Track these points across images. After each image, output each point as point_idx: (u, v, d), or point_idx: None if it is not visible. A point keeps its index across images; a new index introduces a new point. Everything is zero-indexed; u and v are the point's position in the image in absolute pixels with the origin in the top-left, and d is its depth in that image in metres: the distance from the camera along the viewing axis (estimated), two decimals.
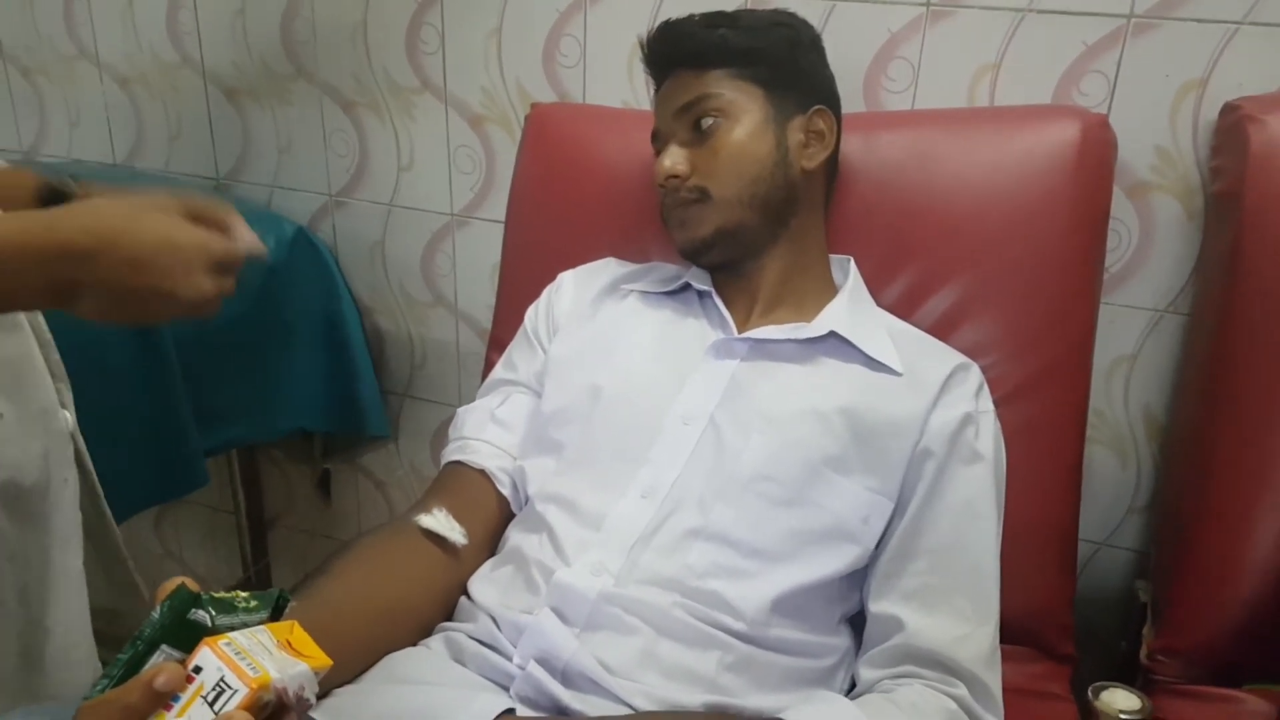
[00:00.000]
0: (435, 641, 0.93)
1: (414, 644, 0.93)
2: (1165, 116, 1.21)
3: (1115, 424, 1.36)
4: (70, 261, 0.72)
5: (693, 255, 1.07)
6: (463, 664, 0.90)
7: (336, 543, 1.99)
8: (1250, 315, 1.07)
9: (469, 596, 0.97)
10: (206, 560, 2.13)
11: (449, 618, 0.98)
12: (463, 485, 1.05)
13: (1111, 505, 1.40)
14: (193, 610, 0.62)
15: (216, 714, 0.58)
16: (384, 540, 0.96)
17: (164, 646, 0.61)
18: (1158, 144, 1.23)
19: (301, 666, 0.64)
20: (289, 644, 0.65)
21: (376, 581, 0.92)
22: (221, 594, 0.65)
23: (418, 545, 0.97)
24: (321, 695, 0.82)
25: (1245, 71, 1.17)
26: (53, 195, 0.90)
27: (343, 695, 0.83)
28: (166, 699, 0.58)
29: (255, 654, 0.61)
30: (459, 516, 1.00)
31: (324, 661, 0.66)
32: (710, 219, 1.02)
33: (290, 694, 0.62)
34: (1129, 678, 1.16)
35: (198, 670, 0.59)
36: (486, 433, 1.09)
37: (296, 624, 0.68)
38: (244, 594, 0.66)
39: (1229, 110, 1.15)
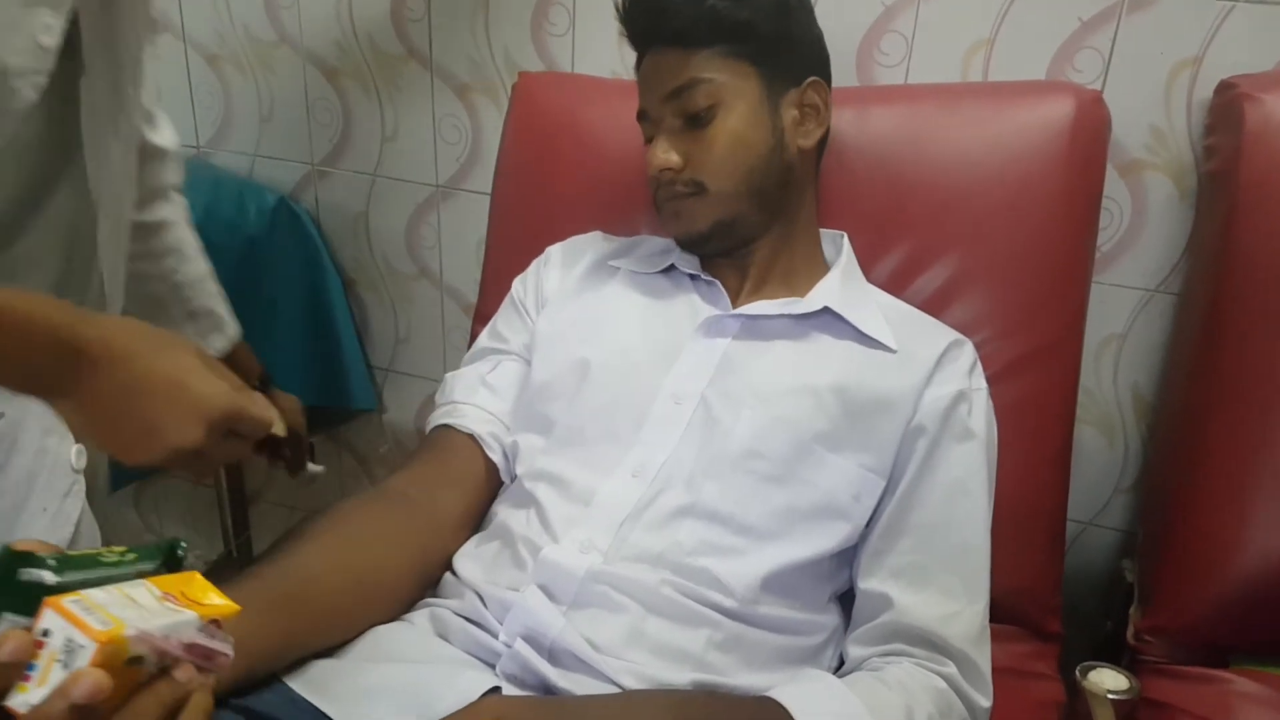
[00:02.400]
0: (419, 617, 0.92)
1: (393, 612, 0.91)
2: (1160, 94, 1.20)
3: (1103, 403, 1.36)
4: (73, 359, 0.70)
5: (688, 246, 1.05)
6: (447, 640, 0.89)
7: None
8: (1243, 295, 1.07)
9: (454, 573, 0.95)
10: (187, 535, 2.10)
11: (430, 588, 0.96)
12: (450, 450, 1.03)
13: (1098, 485, 1.40)
14: (26, 571, 0.57)
15: None
16: (360, 505, 0.93)
17: (6, 615, 0.56)
18: (1152, 122, 1.22)
19: (186, 615, 0.58)
20: (182, 595, 0.61)
21: (351, 546, 0.88)
22: (83, 551, 0.60)
23: (396, 511, 0.94)
24: (298, 665, 0.80)
25: (1241, 49, 1.16)
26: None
27: (324, 670, 0.81)
28: (20, 670, 0.53)
29: (112, 607, 0.55)
30: (445, 482, 0.98)
31: (223, 609, 0.61)
32: (707, 213, 1.00)
33: (174, 644, 0.57)
34: (1114, 657, 1.16)
35: (47, 634, 0.54)
36: (477, 397, 1.06)
37: (197, 575, 0.63)
38: (120, 549, 0.62)
39: (1224, 88, 1.14)
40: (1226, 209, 1.09)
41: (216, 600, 0.62)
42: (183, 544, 0.64)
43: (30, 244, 0.89)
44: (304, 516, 0.90)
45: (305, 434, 1.13)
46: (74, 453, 0.87)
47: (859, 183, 1.15)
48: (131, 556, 0.62)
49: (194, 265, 1.17)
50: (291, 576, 0.82)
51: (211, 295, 1.18)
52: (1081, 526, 1.41)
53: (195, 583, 0.62)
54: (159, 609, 0.58)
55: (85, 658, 0.52)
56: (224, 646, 0.61)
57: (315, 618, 0.82)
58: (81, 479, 0.88)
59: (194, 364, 0.75)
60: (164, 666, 0.57)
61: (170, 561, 0.64)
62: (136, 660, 0.55)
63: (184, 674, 0.57)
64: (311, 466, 1.10)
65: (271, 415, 0.80)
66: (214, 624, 0.61)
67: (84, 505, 0.89)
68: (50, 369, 0.70)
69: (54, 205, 0.90)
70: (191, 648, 0.58)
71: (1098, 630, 1.33)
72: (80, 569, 0.58)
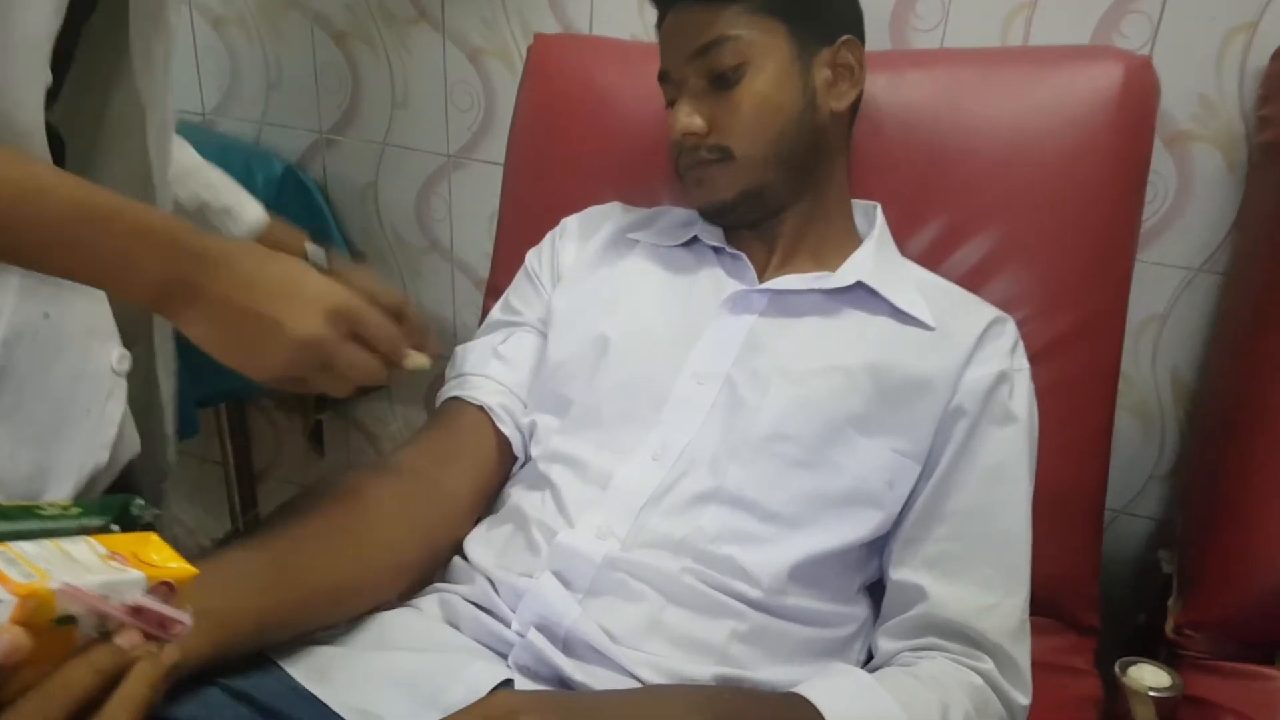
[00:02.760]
0: (428, 603, 0.88)
1: (395, 590, 0.87)
2: (1210, 62, 1.14)
3: (1140, 387, 1.31)
4: (193, 262, 0.69)
5: (713, 217, 1.00)
6: (457, 628, 0.84)
7: None
8: None
9: (464, 557, 0.91)
10: (194, 511, 2.07)
11: (437, 569, 0.92)
12: (459, 423, 0.98)
13: (1131, 471, 1.35)
14: None
15: None
16: (363, 478, 0.88)
17: None
18: (1201, 91, 1.16)
19: (131, 574, 0.54)
20: (133, 555, 0.56)
21: (351, 519, 0.84)
22: (17, 501, 0.57)
23: (401, 484, 0.89)
24: (297, 650, 0.76)
25: None
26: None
27: (326, 657, 0.77)
28: None
29: (41, 561, 0.51)
30: (453, 456, 0.93)
31: (177, 572, 0.57)
32: (733, 181, 0.95)
33: (115, 606, 0.53)
34: (1149, 651, 1.11)
35: None
36: (489, 369, 1.01)
37: (154, 535, 0.59)
38: (64, 502, 0.58)
39: None
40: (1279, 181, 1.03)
41: (172, 563, 0.57)
42: (138, 501, 0.60)
43: (86, 146, 0.90)
44: (303, 489, 0.85)
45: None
46: (116, 356, 0.86)
47: (893, 151, 1.09)
48: (75, 511, 0.57)
49: (208, 173, 1.16)
50: (285, 549, 0.77)
51: (230, 188, 1.16)
52: (1114, 514, 1.36)
53: (150, 543, 0.58)
54: (100, 567, 0.53)
55: (4, 613, 0.48)
56: (179, 614, 0.56)
57: (309, 593, 0.77)
58: (123, 382, 0.86)
59: (306, 267, 0.75)
60: (106, 631, 0.53)
61: (124, 520, 0.59)
62: (68, 620, 0.51)
63: (126, 640, 0.53)
64: (414, 357, 0.93)
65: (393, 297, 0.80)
66: (166, 587, 0.56)
67: (125, 409, 0.87)
68: (165, 273, 0.69)
69: (110, 109, 0.91)
70: (137, 611, 0.54)
71: (1130, 623, 1.29)
72: (9, 520, 0.54)
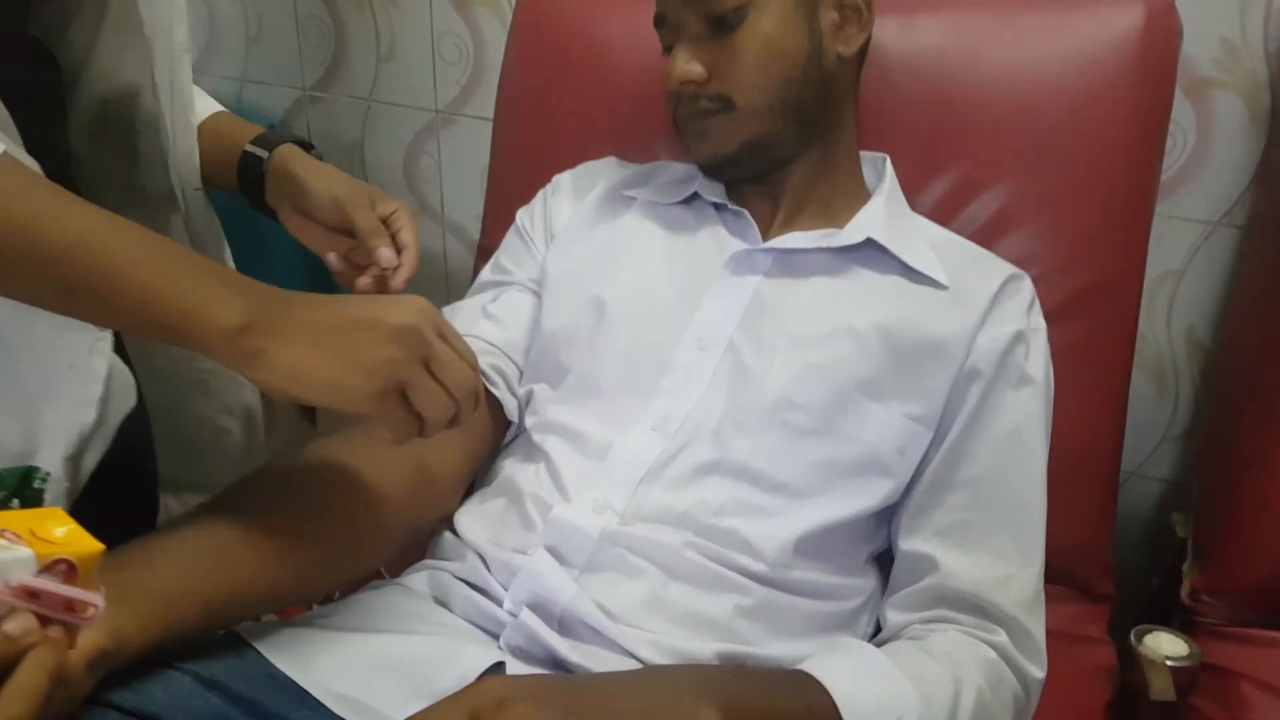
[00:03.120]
0: (417, 580, 0.84)
1: (373, 564, 0.84)
2: (1234, 4, 1.10)
3: (1155, 345, 1.27)
4: (269, 298, 0.66)
5: (714, 171, 0.95)
6: (448, 607, 0.81)
7: None
8: None
9: (455, 532, 0.87)
10: None
11: (421, 540, 0.88)
12: None
13: (1144, 432, 1.32)
14: None
15: None
16: (336, 441, 0.83)
17: None
18: (1223, 35, 1.12)
19: (20, 552, 0.50)
20: (30, 532, 0.52)
21: (320, 485, 0.79)
22: None
23: (378, 448, 0.82)
24: (275, 631, 0.72)
25: None
26: (250, 161, 0.96)
27: (308, 640, 0.73)
28: None
29: None
30: None
31: (79, 549, 0.52)
32: (735, 132, 0.89)
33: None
34: (1163, 617, 1.09)
35: None
36: (478, 328, 0.96)
37: (59, 510, 0.54)
38: None
39: None
40: None
41: (74, 539, 0.53)
42: (42, 473, 0.55)
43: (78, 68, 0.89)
44: (274, 455, 0.81)
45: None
46: None
47: (903, 100, 1.05)
48: None
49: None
50: (241, 522, 0.72)
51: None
52: (1126, 476, 1.33)
53: (53, 519, 0.53)
54: None
55: None
56: (86, 595, 0.52)
57: (269, 570, 0.72)
58: (108, 335, 0.82)
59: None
60: None
61: (24, 494, 0.55)
62: None
63: (16, 625, 0.49)
64: None
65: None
66: (66, 566, 0.51)
67: (110, 361, 0.83)
68: (258, 309, 0.65)
69: (105, 33, 0.91)
70: (31, 594, 0.50)
71: (1143, 587, 1.26)
72: None
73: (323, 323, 0.66)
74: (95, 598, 0.52)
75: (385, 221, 0.92)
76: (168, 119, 0.95)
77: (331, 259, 0.95)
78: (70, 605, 0.51)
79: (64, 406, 0.78)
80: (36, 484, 0.56)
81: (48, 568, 0.51)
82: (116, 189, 0.96)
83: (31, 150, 0.73)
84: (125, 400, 0.85)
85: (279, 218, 0.98)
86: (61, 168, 0.87)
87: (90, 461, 0.81)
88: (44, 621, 0.51)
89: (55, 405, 0.78)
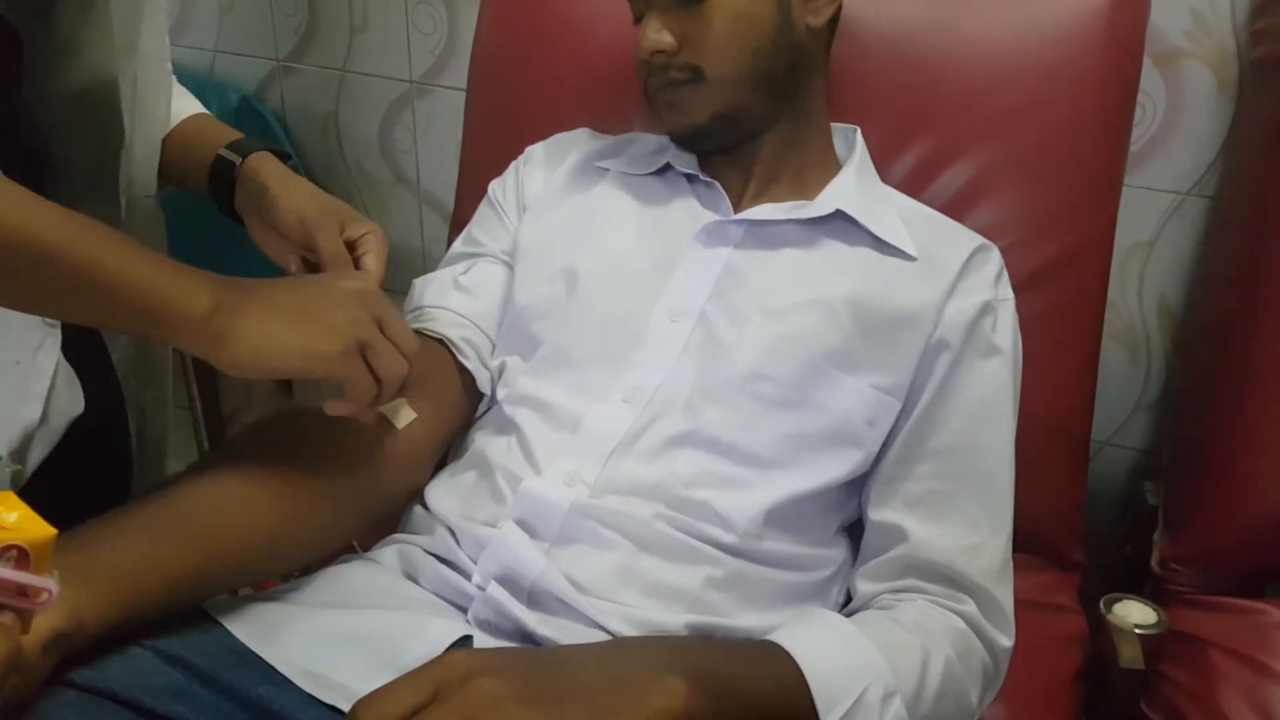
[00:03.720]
0: (386, 555, 0.84)
1: (337, 540, 0.83)
2: None
3: (1127, 316, 1.28)
4: (228, 285, 0.69)
5: (685, 142, 0.95)
6: (417, 581, 0.81)
7: None
8: None
9: (425, 506, 0.87)
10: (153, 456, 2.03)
11: (386, 512, 0.87)
12: (419, 356, 0.93)
13: (1117, 402, 1.32)
14: None
15: None
16: (300, 414, 0.82)
17: None
18: (1192, 5, 1.12)
19: None
20: None
21: (281, 461, 0.77)
22: None
23: (344, 421, 0.80)
24: (240, 607, 0.72)
25: None
26: (222, 166, 0.93)
27: (273, 615, 0.73)
28: None
29: None
30: (412, 390, 0.84)
31: (28, 533, 0.51)
32: (706, 103, 0.89)
33: None
34: (1134, 585, 1.09)
35: None
36: (448, 300, 0.96)
37: (11, 494, 0.53)
38: None
39: None
40: (1275, 99, 0.99)
41: (25, 524, 0.52)
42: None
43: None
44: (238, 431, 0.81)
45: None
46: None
47: (873, 71, 1.04)
48: None
49: None
50: (201, 498, 0.72)
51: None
52: (1098, 446, 1.34)
53: (4, 503, 0.52)
54: None
55: None
56: (38, 580, 0.51)
57: (232, 546, 0.72)
58: (56, 332, 0.83)
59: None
60: None
61: None
62: None
63: None
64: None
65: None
66: (18, 552, 0.51)
67: (59, 360, 0.83)
68: (224, 295, 0.68)
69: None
70: None
71: (1115, 556, 1.27)
72: None
73: (284, 298, 0.71)
74: (48, 583, 0.52)
75: (354, 244, 0.88)
76: (128, 125, 0.93)
77: (291, 263, 0.93)
78: (23, 591, 0.51)
79: (8, 402, 0.78)
80: None
81: None
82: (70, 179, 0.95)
83: None
84: (72, 404, 0.85)
85: (245, 225, 0.95)
86: (26, 144, 0.86)
87: (35, 458, 0.80)
88: None
89: (0, 400, 0.77)
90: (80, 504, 0.64)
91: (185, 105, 1.03)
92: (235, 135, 0.98)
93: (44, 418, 0.80)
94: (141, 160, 0.96)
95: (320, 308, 0.72)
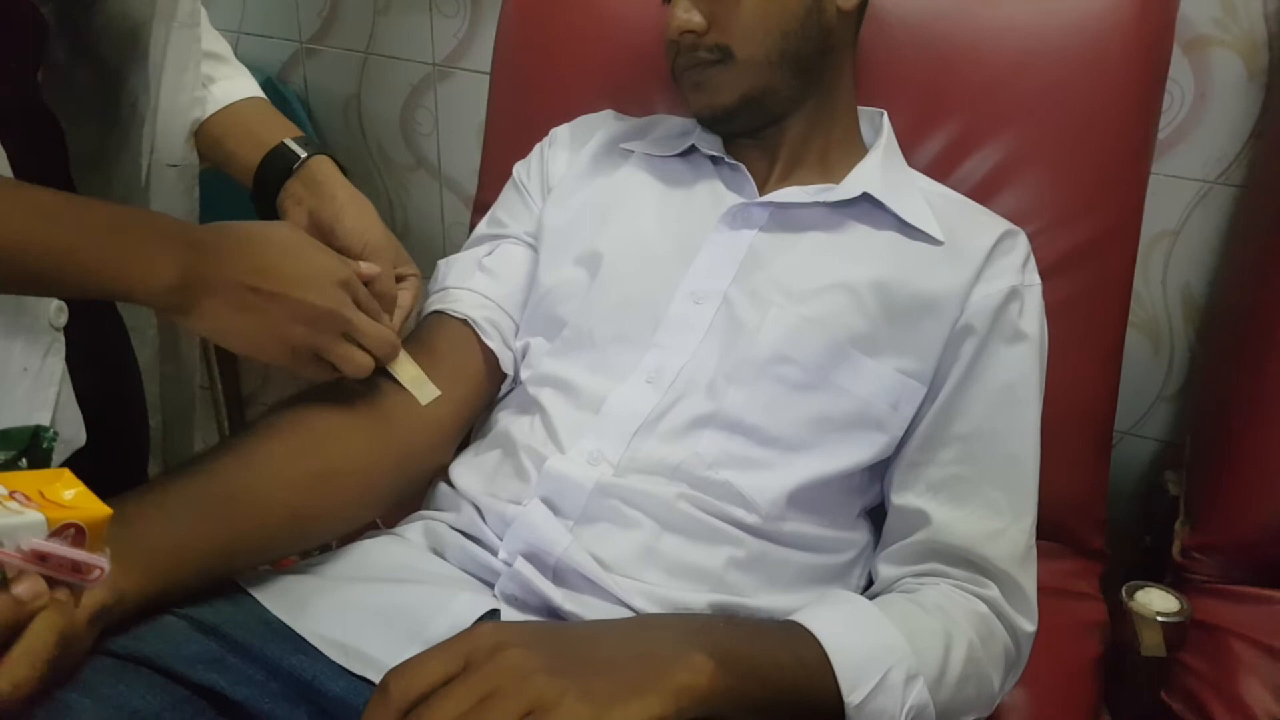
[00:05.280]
0: (412, 531, 0.84)
1: (365, 515, 0.84)
2: None
3: (1150, 305, 1.27)
4: (205, 257, 0.71)
5: (711, 123, 0.94)
6: (442, 557, 0.81)
7: None
8: None
9: (450, 483, 0.87)
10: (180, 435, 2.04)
11: (410, 489, 0.88)
12: (441, 337, 0.92)
13: (1139, 392, 1.32)
14: None
15: None
16: (330, 393, 0.83)
17: None
18: None
19: (31, 516, 0.50)
20: (40, 494, 0.52)
21: (313, 438, 0.79)
22: None
23: (372, 400, 0.83)
24: (269, 579, 0.73)
25: None
26: (282, 156, 0.91)
27: (302, 587, 0.73)
28: None
29: None
30: (436, 369, 0.87)
31: (88, 512, 0.52)
32: (734, 84, 0.89)
33: (9, 551, 0.49)
34: (1155, 574, 1.09)
35: None
36: (472, 281, 0.96)
37: (66, 471, 0.54)
38: None
39: None
40: None
41: (83, 503, 0.53)
42: (50, 432, 0.55)
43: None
44: (268, 408, 0.81)
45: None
46: (54, 309, 0.81)
47: (900, 54, 1.04)
48: None
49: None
50: (232, 474, 0.73)
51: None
52: (1120, 436, 1.33)
53: (61, 480, 0.53)
54: None
55: None
56: (92, 558, 0.52)
57: (262, 521, 0.73)
58: (61, 336, 0.83)
59: (306, 241, 0.79)
60: (3, 578, 0.49)
61: (32, 453, 0.55)
62: None
63: (26, 589, 0.50)
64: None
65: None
66: (75, 529, 0.52)
67: (64, 367, 0.83)
68: (190, 271, 0.70)
69: None
70: (40, 557, 0.50)
71: (1135, 546, 1.27)
72: None
73: (246, 288, 0.73)
74: (102, 560, 0.52)
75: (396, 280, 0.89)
76: (153, 90, 0.93)
77: None
78: (77, 567, 0.51)
79: (18, 408, 0.78)
80: (45, 444, 0.56)
81: (57, 531, 0.51)
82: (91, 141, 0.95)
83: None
84: (76, 434, 0.84)
85: (282, 219, 0.93)
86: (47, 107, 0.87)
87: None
88: (50, 583, 0.52)
89: (9, 407, 0.77)
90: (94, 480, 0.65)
91: (243, 85, 1.02)
92: (296, 130, 0.97)
93: (52, 424, 0.80)
94: (165, 127, 0.95)
95: (278, 315, 0.74)
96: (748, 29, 0.87)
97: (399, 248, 0.90)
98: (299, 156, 0.91)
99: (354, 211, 0.89)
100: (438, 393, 0.85)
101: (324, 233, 0.87)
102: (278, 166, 0.92)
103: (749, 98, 0.89)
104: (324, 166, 0.91)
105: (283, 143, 0.92)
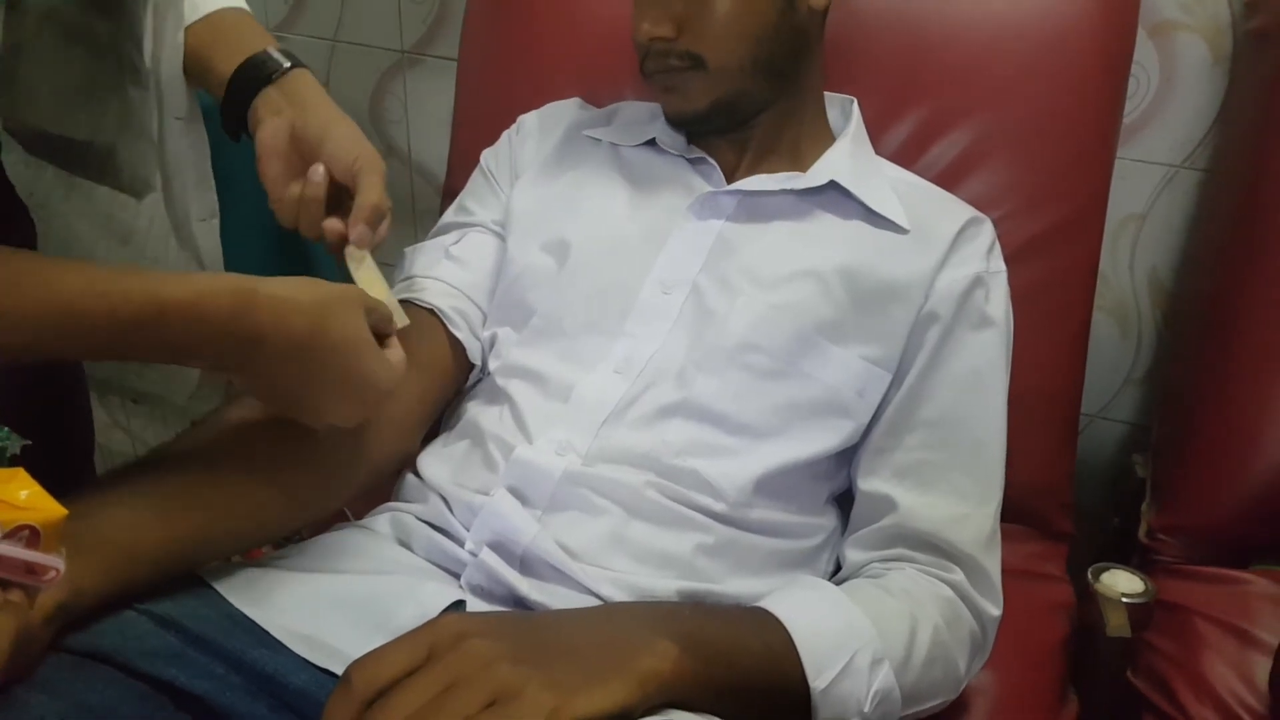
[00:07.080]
0: (380, 522, 0.84)
1: (328, 506, 0.82)
2: None
3: (1118, 289, 1.28)
4: (253, 344, 0.67)
5: (681, 125, 0.93)
6: (409, 548, 0.81)
7: None
8: None
9: (418, 474, 0.87)
10: (156, 432, 2.02)
11: (375, 479, 0.87)
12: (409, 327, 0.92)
13: (1107, 375, 1.33)
14: None
15: None
16: None
17: None
18: None
19: None
20: None
21: (274, 427, 0.76)
22: None
23: None
24: (233, 571, 0.72)
25: None
26: (262, 65, 0.85)
27: (266, 580, 0.72)
28: None
29: None
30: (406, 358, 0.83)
31: (41, 514, 0.52)
32: (707, 91, 0.87)
33: None
34: (1122, 556, 1.10)
35: None
36: (439, 270, 0.95)
37: (21, 471, 0.53)
38: None
39: None
40: (1270, 71, 0.99)
41: (38, 503, 0.52)
42: (4, 431, 0.55)
43: None
44: (231, 398, 0.80)
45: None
46: None
47: (867, 41, 1.04)
48: None
49: None
50: (192, 467, 0.72)
51: None
52: (1088, 419, 1.34)
53: (16, 480, 0.52)
54: None
55: None
56: (47, 559, 0.51)
57: (223, 514, 0.72)
58: None
59: (362, 330, 0.72)
60: None
61: None
62: None
63: None
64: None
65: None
66: (30, 531, 0.51)
67: None
68: (228, 359, 0.68)
69: None
70: None
71: (1103, 528, 1.28)
72: None
73: (289, 370, 0.69)
74: (57, 561, 0.52)
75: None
76: (149, 51, 0.87)
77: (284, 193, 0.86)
78: (31, 569, 0.51)
79: None
80: (1, 444, 0.55)
81: (11, 533, 0.50)
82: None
83: None
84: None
85: (255, 130, 0.86)
86: None
87: None
88: (3, 585, 0.51)
89: None
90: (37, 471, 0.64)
91: None
92: (269, 39, 0.90)
93: None
94: (169, 81, 0.90)
95: (311, 410, 0.73)
96: (720, 37, 0.85)
97: (382, 165, 0.85)
98: (281, 66, 0.85)
99: (341, 125, 0.83)
100: (407, 321, 0.81)
101: (310, 146, 0.82)
102: (255, 75, 0.86)
103: (722, 103, 0.88)
104: (307, 79, 0.86)
105: (265, 50, 0.86)
